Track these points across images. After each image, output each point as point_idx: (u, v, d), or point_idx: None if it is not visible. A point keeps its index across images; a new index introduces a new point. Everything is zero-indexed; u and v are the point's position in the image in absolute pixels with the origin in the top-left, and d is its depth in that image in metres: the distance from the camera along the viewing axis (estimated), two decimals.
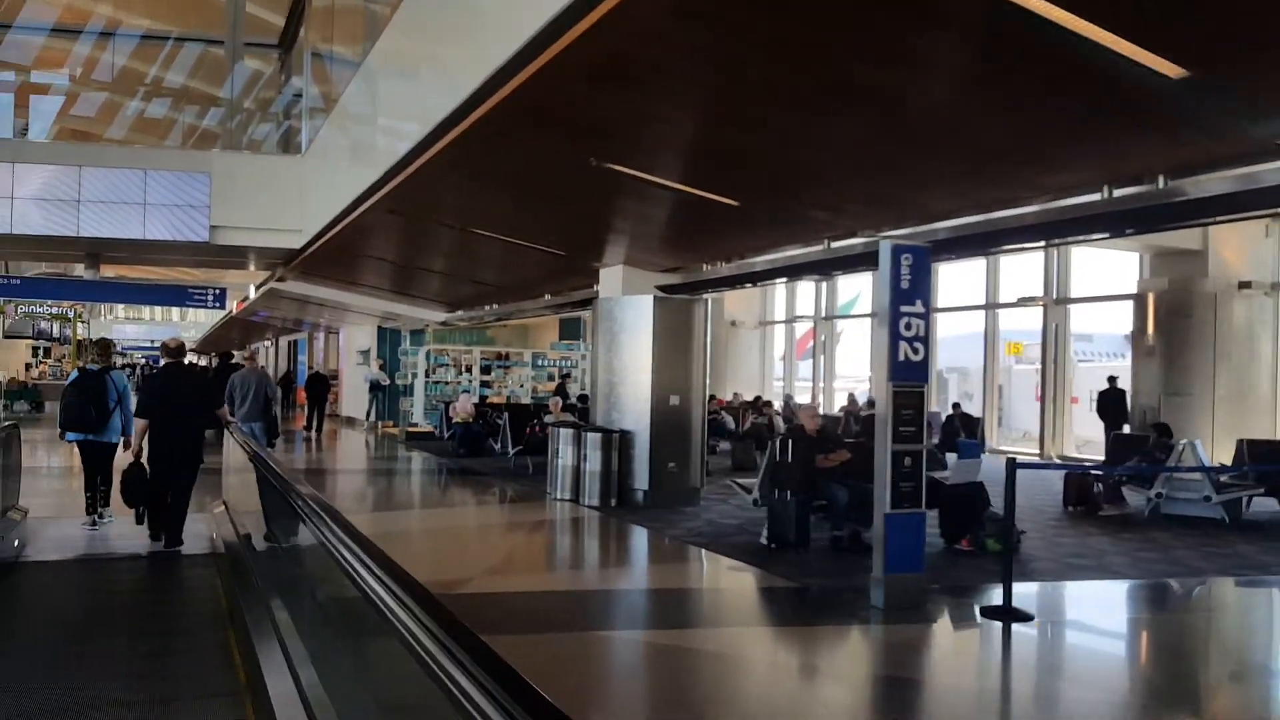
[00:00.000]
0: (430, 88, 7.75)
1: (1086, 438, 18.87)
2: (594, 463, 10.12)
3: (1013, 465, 6.07)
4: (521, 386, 20.97)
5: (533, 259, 11.83)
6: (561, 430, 10.61)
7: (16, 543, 7.09)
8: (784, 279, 10.51)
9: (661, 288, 10.66)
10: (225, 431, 9.78)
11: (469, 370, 20.74)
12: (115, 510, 8.63)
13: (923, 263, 5.98)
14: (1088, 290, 18.76)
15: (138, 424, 7.77)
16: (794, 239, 8.49)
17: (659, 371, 10.19)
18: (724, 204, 7.30)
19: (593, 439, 10.16)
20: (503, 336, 24.98)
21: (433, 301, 19.15)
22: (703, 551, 7.77)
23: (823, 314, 24.23)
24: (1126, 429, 15.47)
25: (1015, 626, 5.67)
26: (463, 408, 16.59)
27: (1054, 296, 18.50)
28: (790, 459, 7.77)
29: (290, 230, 15.51)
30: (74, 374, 8.83)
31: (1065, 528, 9.59)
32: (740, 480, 9.32)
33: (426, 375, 20.26)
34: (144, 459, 7.61)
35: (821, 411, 21.37)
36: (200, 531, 8.22)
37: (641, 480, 10.18)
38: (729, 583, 7.09)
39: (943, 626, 5.92)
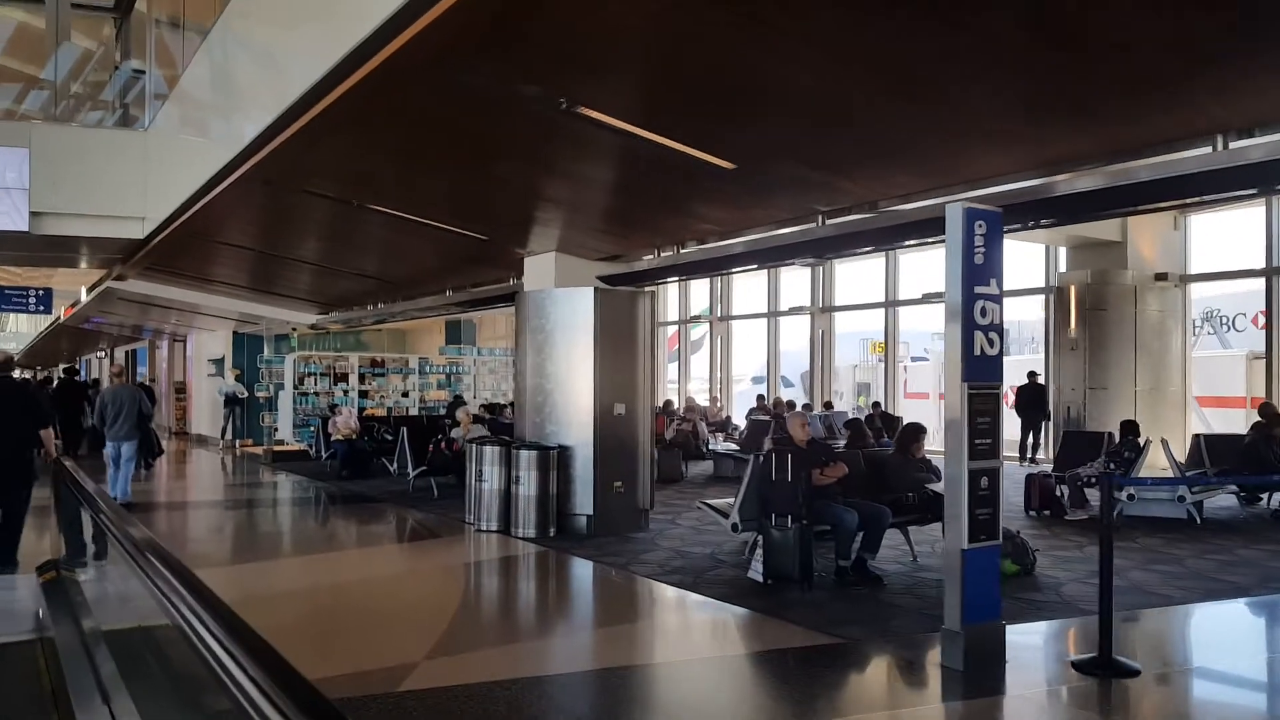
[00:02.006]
0: (325, 19, 6.04)
1: None
2: (529, 486, 8.55)
3: (1108, 481, 4.95)
4: (406, 396, 18.95)
5: (437, 245, 10.11)
6: (486, 448, 8.97)
7: None
8: (762, 265, 9.19)
9: (603, 278, 9.18)
10: (59, 462, 7.73)
11: (345, 379, 18.54)
12: None
13: (997, 231, 4.81)
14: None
15: None
16: (778, 215, 7.19)
17: (602, 377, 8.73)
18: (714, 167, 5.93)
19: (527, 458, 8.58)
20: (377, 342, 22.81)
21: (302, 300, 16.91)
22: (694, 597, 6.34)
23: (718, 314, 23.28)
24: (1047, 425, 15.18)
25: (1129, 684, 4.53)
26: (344, 423, 14.55)
27: None
28: (787, 477, 6.46)
29: (131, 218, 13.12)
30: None
31: (1048, 536, 8.76)
32: (711, 501, 7.97)
33: (296, 386, 17.95)
34: None
35: (725, 414, 20.38)
36: (23, 606, 6.15)
37: (584, 504, 8.68)
38: (753, 642, 5.59)
39: (1048, 697, 4.65)
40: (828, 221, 6.73)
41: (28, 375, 34.27)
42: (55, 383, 20.83)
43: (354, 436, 14.36)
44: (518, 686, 4.54)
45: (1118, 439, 10.41)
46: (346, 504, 11.54)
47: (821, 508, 6.48)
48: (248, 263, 14.10)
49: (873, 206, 6.73)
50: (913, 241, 7.36)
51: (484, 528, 8.85)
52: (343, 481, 13.23)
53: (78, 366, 32.89)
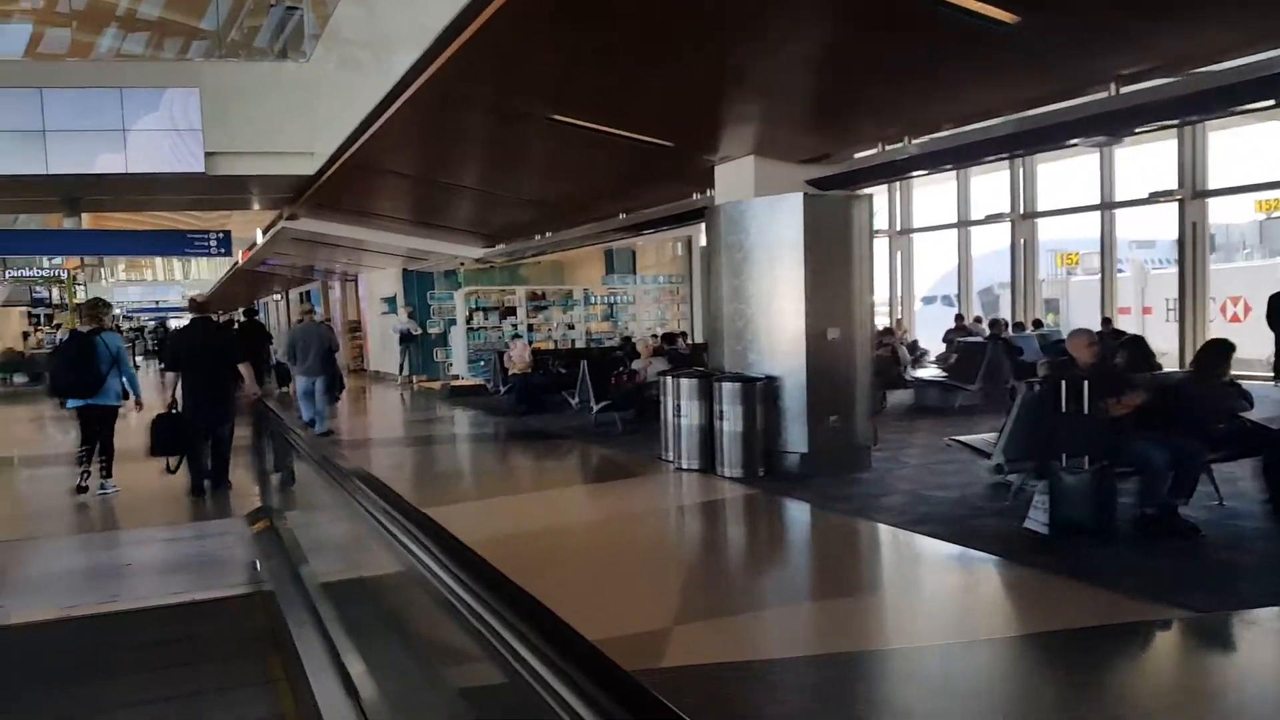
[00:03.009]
0: None
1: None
2: (733, 421, 7.68)
3: None
4: (572, 328, 18.48)
5: (612, 160, 9.25)
6: (683, 381, 8.14)
7: None
8: (1027, 150, 7.64)
9: (812, 182, 8.06)
10: (262, 403, 7.58)
11: (513, 313, 18.22)
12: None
13: None
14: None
15: (167, 376, 8.06)
16: (1052, 86, 5.83)
17: (813, 297, 7.67)
18: (984, 23, 4.69)
19: (730, 390, 7.69)
20: (536, 275, 22.42)
21: (466, 233, 16.53)
22: (964, 552, 5.31)
23: (896, 226, 21.52)
24: None
25: None
26: (519, 357, 14.14)
27: (1192, 189, 15.76)
28: (1081, 408, 5.28)
29: (300, 154, 12.89)
30: (65, 336, 8.80)
31: None
32: (963, 438, 6.86)
33: (467, 321, 17.77)
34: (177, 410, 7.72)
35: (912, 336, 18.84)
36: (237, 556, 5.80)
37: (796, 441, 7.74)
38: (1066, 614, 4.37)
39: None
40: (1122, 90, 5.35)
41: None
42: (238, 325, 21.65)
43: (529, 371, 13.94)
44: (797, 667, 3.70)
45: None
46: (532, 439, 11.06)
47: (1124, 444, 5.27)
48: (412, 193, 13.73)
49: (1176, 69, 5.30)
50: (1256, 106, 5.74)
51: (684, 466, 8.07)
52: (522, 416, 12.82)
53: (256, 308, 34.49)
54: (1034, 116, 6.09)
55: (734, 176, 8.39)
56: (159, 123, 12.73)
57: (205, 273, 45.96)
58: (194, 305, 8.70)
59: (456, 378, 17.96)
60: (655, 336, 14.61)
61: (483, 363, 17.74)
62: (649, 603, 4.58)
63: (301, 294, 31.03)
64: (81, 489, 7.76)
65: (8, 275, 25.79)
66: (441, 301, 19.43)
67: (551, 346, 17.19)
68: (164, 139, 12.70)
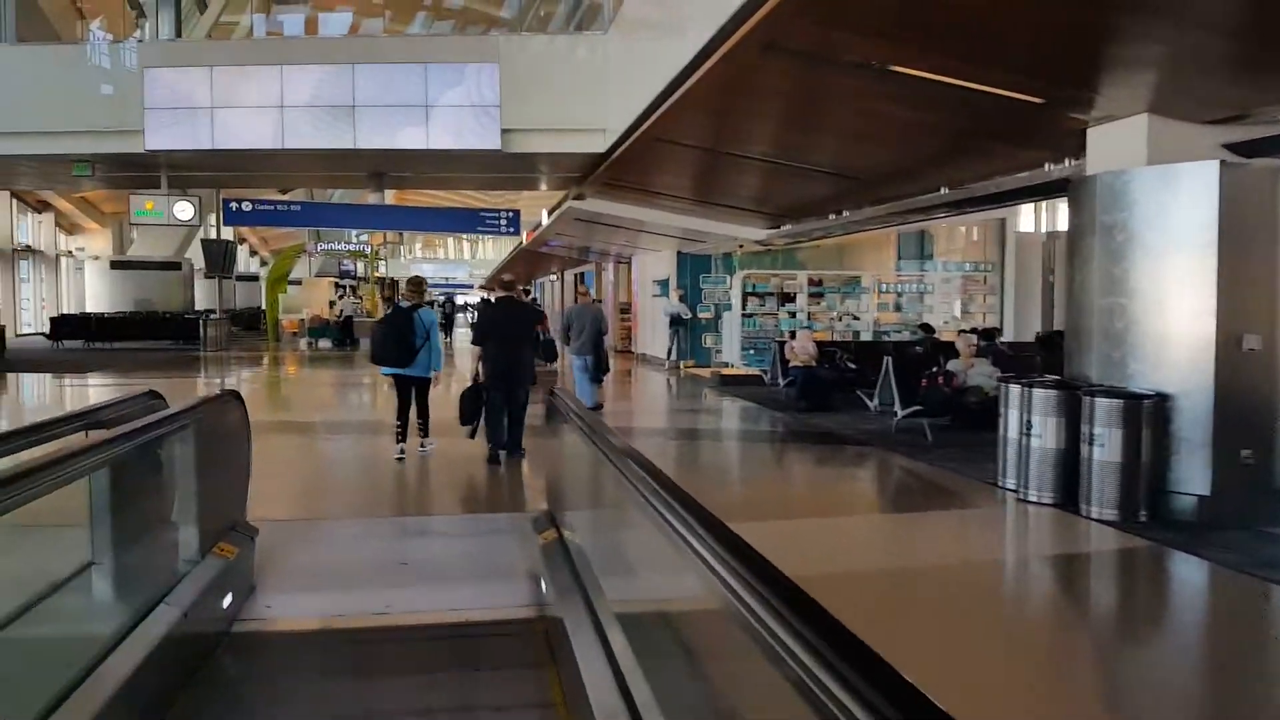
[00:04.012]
0: None
1: None
2: (1108, 448, 6.08)
3: None
4: (857, 319, 17.06)
5: (947, 120, 7.83)
6: (1036, 391, 6.62)
7: (229, 599, 4.07)
8: None
9: (1232, 147, 6.25)
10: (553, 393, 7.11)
11: (791, 300, 17.09)
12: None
13: None
14: None
15: (474, 350, 8.46)
16: None
17: (1227, 294, 5.92)
18: None
19: (1106, 408, 6.10)
20: (815, 259, 21.06)
21: (748, 213, 15.53)
22: None
23: None
24: None
25: None
26: (802, 348, 12.99)
27: None
28: None
29: (592, 130, 12.48)
30: (390, 310, 9.26)
31: None
32: None
33: (742, 306, 16.88)
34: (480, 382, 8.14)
35: None
36: (513, 562, 5.13)
37: (1193, 479, 6.02)
38: None
39: None
40: None
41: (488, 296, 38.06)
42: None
43: (813, 364, 12.77)
44: None
45: None
46: (818, 443, 9.89)
47: None
48: (698, 169, 12.93)
49: None
50: None
51: (1031, 497, 6.57)
52: (803, 414, 11.68)
53: (528, 288, 35.83)
54: None
55: (1116, 140, 6.71)
56: (460, 98, 12.81)
57: (490, 253, 48.81)
58: (503, 284, 9.22)
59: (726, 365, 17.14)
60: (963, 332, 12.92)
61: (752, 350, 16.82)
62: (1012, 710, 3.30)
63: (576, 275, 31.69)
64: (399, 459, 8.18)
65: (320, 248, 28.25)
66: (714, 285, 18.70)
67: (829, 337, 15.91)
68: (464, 115, 12.77)
